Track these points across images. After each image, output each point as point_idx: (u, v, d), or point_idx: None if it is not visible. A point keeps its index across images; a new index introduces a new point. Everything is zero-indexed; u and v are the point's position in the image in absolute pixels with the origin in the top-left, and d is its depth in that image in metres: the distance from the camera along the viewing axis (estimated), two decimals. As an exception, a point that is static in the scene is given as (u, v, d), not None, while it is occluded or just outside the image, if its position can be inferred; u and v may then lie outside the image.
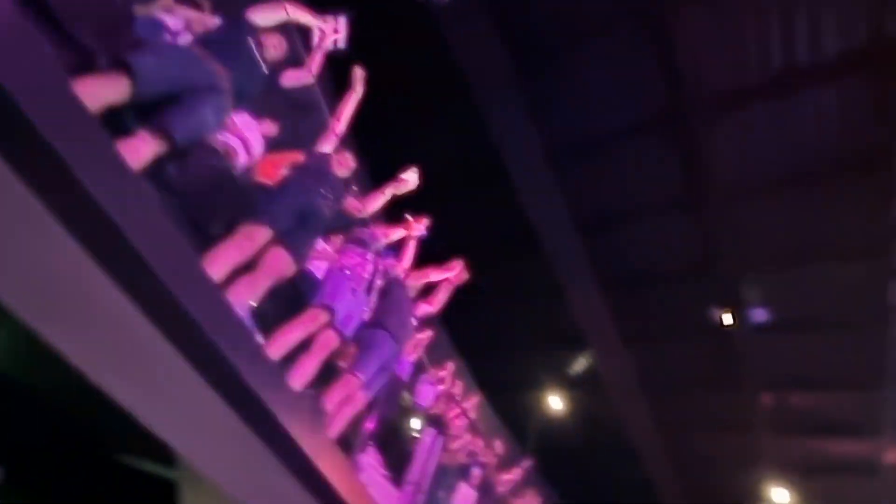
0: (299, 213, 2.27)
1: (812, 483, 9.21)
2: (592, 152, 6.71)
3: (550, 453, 10.15)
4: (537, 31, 5.70)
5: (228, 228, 2.19)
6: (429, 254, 3.75)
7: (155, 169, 1.89)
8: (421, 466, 3.54)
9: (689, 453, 9.90)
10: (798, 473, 9.12)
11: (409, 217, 3.41)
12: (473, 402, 5.77)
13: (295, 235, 2.21)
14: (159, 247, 1.36)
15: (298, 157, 2.69)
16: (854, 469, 8.65)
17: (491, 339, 9.56)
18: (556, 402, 9.65)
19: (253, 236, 2.16)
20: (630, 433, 9.74)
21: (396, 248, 3.44)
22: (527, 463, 6.81)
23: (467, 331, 8.70)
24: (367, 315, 2.67)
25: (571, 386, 9.53)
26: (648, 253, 7.43)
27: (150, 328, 1.44)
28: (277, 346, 2.22)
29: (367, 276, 2.60)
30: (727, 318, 7.02)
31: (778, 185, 6.09)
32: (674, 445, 9.73)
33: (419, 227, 3.39)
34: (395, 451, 4.36)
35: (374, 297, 2.68)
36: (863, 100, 5.21)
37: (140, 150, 1.71)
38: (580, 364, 9.25)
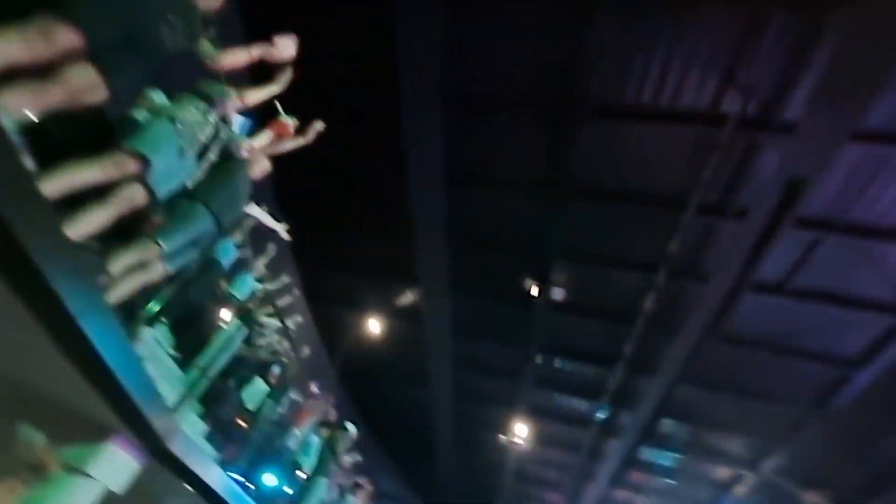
0: (128, 33, 1.81)
1: (542, 424, 12.01)
2: (481, 112, 6.95)
3: (354, 368, 10.92)
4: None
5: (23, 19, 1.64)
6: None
7: None
8: (214, 354, 3.42)
9: (468, 388, 11.79)
10: (537, 416, 11.75)
11: (282, 113, 3.04)
12: (289, 304, 5.74)
13: (114, 57, 1.77)
14: None
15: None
16: (568, 419, 11.60)
17: (331, 256, 9.51)
18: (374, 326, 10.23)
19: (51, 36, 1.66)
20: (428, 364, 11.03)
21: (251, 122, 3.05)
22: (328, 398, 6.94)
23: (310, 241, 8.46)
24: (190, 183, 2.34)
25: (393, 315, 10.19)
26: (495, 218, 8.16)
27: None
28: (59, 183, 1.81)
29: (203, 139, 2.25)
30: (535, 290, 8.28)
31: (611, 195, 7.22)
32: (459, 379, 11.42)
33: (287, 126, 3.06)
34: (194, 335, 4.12)
35: (204, 166, 2.34)
36: (688, 151, 6.44)
37: None
38: (407, 298, 9.91)
